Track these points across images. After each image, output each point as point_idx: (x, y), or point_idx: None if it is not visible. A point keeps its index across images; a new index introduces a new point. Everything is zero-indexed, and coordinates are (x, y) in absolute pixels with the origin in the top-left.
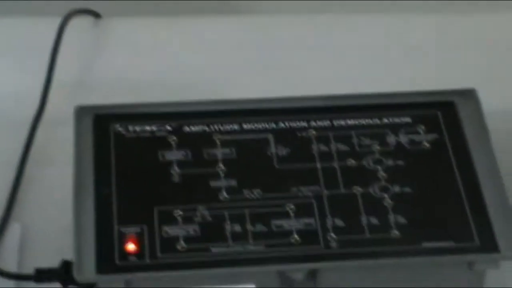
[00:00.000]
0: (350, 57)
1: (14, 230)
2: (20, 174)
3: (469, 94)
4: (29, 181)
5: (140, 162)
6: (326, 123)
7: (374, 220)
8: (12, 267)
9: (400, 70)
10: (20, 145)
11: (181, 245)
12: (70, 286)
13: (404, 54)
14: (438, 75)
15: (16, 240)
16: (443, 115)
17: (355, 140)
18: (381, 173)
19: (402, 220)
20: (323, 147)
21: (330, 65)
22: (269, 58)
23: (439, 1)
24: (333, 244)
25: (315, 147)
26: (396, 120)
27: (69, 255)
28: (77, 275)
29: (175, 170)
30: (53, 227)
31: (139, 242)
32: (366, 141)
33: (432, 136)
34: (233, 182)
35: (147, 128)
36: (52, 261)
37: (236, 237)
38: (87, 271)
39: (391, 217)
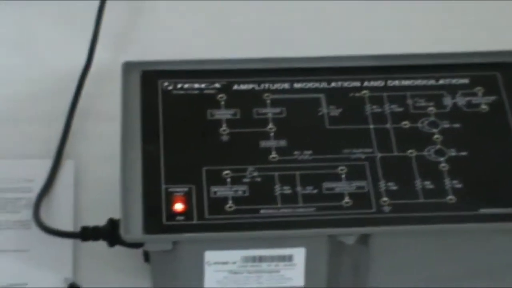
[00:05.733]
0: (403, 16)
1: (68, 166)
2: (68, 127)
3: None
4: (76, 134)
5: (188, 120)
6: (380, 83)
7: (429, 185)
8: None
9: (455, 29)
10: (67, 98)
11: (230, 206)
12: (116, 245)
13: (460, 13)
14: (495, 35)
15: (71, 176)
16: (503, 76)
17: (409, 101)
18: (437, 136)
19: (458, 185)
20: (376, 108)
21: (383, 24)
22: (321, 15)
23: None
24: (386, 208)
25: (368, 108)
26: (453, 81)
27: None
28: (123, 235)
29: (224, 129)
30: (99, 183)
31: (187, 202)
32: (421, 103)
33: (490, 98)
34: (283, 143)
35: (196, 85)
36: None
37: (286, 199)
38: (134, 230)
39: (447, 182)
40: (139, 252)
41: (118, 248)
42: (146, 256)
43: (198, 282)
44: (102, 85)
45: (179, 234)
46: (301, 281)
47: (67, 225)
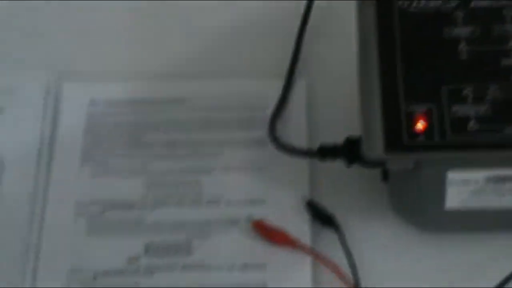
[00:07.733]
0: None
1: (300, 85)
2: (299, 46)
3: None
4: (307, 53)
5: (425, 39)
6: None
7: None
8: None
9: None
10: (296, 18)
11: (472, 125)
12: (355, 164)
13: None
14: None
15: (303, 95)
16: None
17: None
18: None
19: None
20: None
21: None
22: None
23: None
24: None
25: None
26: None
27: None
28: (365, 153)
29: (463, 47)
30: (331, 102)
31: (428, 121)
32: None
33: None
34: None
35: (432, 3)
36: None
37: None
38: (375, 149)
39: None
40: (374, 171)
41: (352, 168)
42: (384, 176)
43: (437, 202)
44: (334, 2)
45: (420, 153)
46: None
47: (301, 144)
